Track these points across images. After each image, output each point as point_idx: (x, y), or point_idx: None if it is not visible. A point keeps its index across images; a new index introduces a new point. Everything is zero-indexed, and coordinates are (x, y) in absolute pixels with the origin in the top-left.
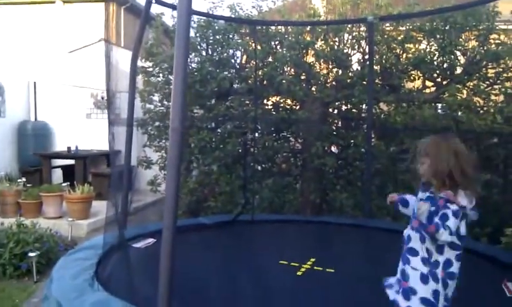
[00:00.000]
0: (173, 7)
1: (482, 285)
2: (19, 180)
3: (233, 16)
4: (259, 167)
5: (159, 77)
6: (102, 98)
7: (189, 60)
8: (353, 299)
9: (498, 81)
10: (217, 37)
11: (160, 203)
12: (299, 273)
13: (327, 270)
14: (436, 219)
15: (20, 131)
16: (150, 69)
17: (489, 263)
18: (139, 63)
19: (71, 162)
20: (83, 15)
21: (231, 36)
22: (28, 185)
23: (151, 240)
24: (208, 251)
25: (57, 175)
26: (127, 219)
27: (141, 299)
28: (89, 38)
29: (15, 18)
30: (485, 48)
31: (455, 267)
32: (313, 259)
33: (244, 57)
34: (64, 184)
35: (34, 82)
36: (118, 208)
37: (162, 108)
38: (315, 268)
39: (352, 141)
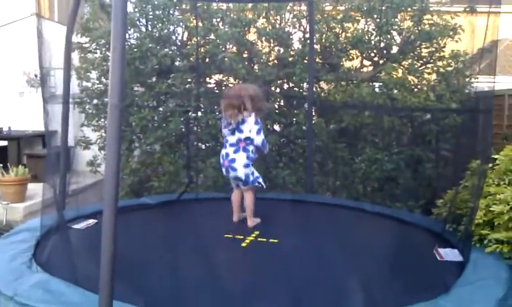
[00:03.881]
0: None
1: (416, 252)
2: None
3: None
4: (203, 146)
5: (96, 53)
6: (36, 75)
7: (127, 36)
8: (294, 263)
9: (431, 60)
10: (157, 12)
11: (100, 184)
12: (243, 244)
13: (270, 240)
14: None
15: None
16: (87, 45)
17: (422, 232)
18: (75, 39)
19: (3, 143)
20: None
21: (171, 12)
22: None
23: (92, 221)
24: (153, 229)
25: None
26: (65, 200)
27: (83, 279)
28: (20, 12)
29: None
30: (419, 28)
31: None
32: (257, 232)
33: (185, 34)
34: None
35: None
36: (56, 189)
37: (100, 85)
38: (259, 239)
39: (294, 119)
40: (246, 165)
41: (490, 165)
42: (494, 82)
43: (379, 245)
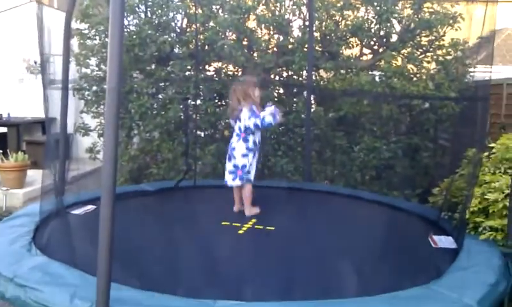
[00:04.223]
0: None
1: (411, 239)
2: None
3: None
4: (202, 134)
5: (95, 39)
6: (35, 62)
7: (127, 23)
8: (290, 250)
9: (431, 49)
10: None
11: (100, 171)
12: (240, 232)
13: (267, 228)
14: None
15: None
16: (86, 31)
17: (418, 220)
18: (74, 25)
19: (3, 129)
20: None
21: None
22: None
23: (90, 207)
24: (151, 215)
25: None
26: (64, 186)
27: (81, 262)
28: None
29: None
30: (419, 16)
31: None
32: (254, 220)
33: (185, 20)
34: None
35: None
36: (55, 175)
37: (99, 72)
38: (256, 227)
39: (294, 106)
40: (244, 155)
41: (486, 154)
42: (491, 72)
43: (375, 232)
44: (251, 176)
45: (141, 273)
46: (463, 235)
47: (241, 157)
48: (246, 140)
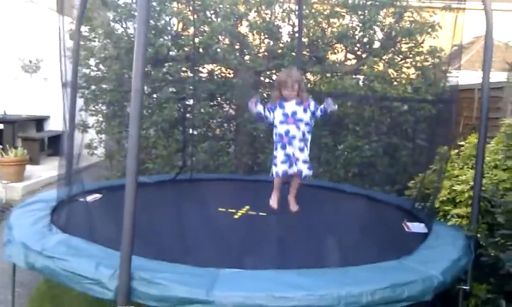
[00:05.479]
0: None
1: (387, 225)
2: None
3: None
4: (195, 132)
5: (94, 41)
6: (30, 61)
7: (126, 26)
8: (280, 231)
9: (410, 55)
10: (153, 4)
11: (97, 166)
12: (236, 217)
13: (260, 213)
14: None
15: None
16: (86, 33)
17: (394, 209)
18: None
19: None
20: None
21: (167, 3)
22: None
23: (98, 196)
24: (152, 203)
25: None
26: (77, 176)
27: (98, 239)
28: None
29: None
30: (400, 25)
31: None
32: (247, 207)
33: (181, 25)
34: None
35: None
36: (72, 166)
37: (98, 72)
38: (250, 212)
39: None
40: None
41: (457, 151)
42: (458, 76)
43: (358, 219)
44: (274, 168)
45: (153, 246)
46: (433, 221)
47: None
48: None
